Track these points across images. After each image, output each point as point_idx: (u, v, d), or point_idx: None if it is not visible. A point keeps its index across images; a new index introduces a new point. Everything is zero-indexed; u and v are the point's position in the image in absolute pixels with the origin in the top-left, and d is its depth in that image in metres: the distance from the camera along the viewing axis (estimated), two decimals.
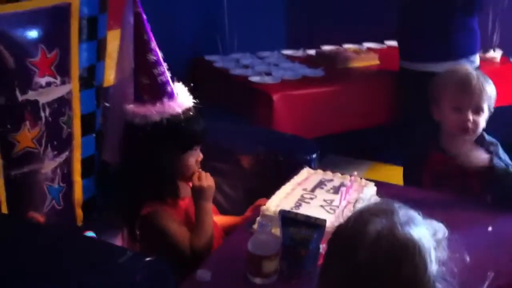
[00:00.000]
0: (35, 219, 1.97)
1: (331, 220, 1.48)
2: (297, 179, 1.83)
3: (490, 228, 1.69)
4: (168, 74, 1.60)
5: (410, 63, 2.92)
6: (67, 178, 2.09)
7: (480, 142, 1.94)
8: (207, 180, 1.64)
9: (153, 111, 1.55)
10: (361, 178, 1.84)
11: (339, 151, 3.50)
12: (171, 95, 1.58)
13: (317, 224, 1.36)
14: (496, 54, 3.58)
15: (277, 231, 1.44)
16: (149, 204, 1.60)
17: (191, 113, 1.61)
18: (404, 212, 1.05)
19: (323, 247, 1.42)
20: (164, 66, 1.59)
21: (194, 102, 1.66)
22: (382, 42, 3.96)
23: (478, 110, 1.91)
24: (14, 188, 1.86)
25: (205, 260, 1.48)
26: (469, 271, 1.46)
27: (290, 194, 1.72)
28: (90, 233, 2.06)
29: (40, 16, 1.80)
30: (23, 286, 1.33)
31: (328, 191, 1.75)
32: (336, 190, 1.75)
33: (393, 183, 2.02)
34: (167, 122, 1.55)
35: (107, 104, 2.31)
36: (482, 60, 3.54)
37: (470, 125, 1.92)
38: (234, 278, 1.42)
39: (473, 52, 2.86)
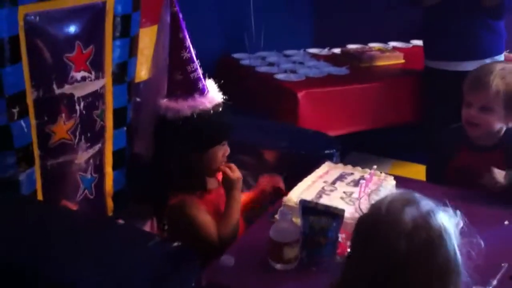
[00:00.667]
0: (68, 207, 2.07)
1: (350, 211, 1.54)
2: (318, 172, 1.89)
3: (506, 222, 1.73)
4: (200, 71, 1.68)
5: (434, 62, 2.96)
6: (99, 169, 2.18)
7: (509, 141, 1.94)
8: (237, 172, 1.73)
9: (185, 106, 1.63)
10: (380, 172, 1.90)
11: (362, 148, 3.53)
12: (202, 91, 1.65)
13: (336, 214, 1.43)
14: None
15: (297, 221, 1.51)
16: (177, 194, 1.68)
17: (220, 109, 1.68)
18: (425, 202, 1.10)
19: (341, 236, 1.48)
20: (197, 63, 1.66)
21: (223, 98, 1.72)
22: (408, 41, 3.98)
23: (486, 109, 1.91)
24: (49, 177, 1.95)
25: (229, 247, 1.55)
26: (485, 260, 1.52)
27: (311, 186, 1.78)
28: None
29: (77, 14, 1.89)
30: (59, 268, 1.41)
31: (348, 184, 1.81)
32: (356, 183, 1.81)
33: (412, 178, 2.06)
34: (197, 116, 1.62)
35: (138, 99, 2.41)
36: (507, 59, 3.56)
37: (473, 120, 1.92)
38: (257, 263, 1.49)
39: (498, 52, 2.89)
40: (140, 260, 1.42)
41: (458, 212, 1.46)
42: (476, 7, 2.74)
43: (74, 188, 2.07)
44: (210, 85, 1.72)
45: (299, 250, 1.47)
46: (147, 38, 2.32)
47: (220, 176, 1.77)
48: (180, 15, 1.63)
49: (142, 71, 2.38)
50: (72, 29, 1.87)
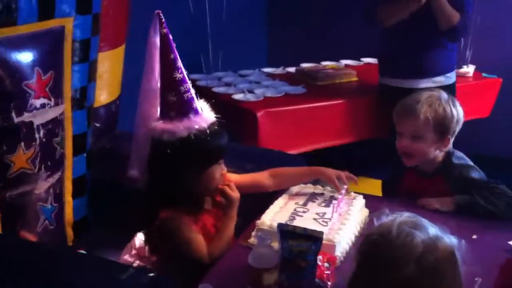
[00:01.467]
0: (28, 238, 1.99)
1: (325, 233, 1.53)
2: (288, 193, 1.88)
3: (474, 236, 1.77)
4: (192, 91, 1.65)
5: (389, 79, 3.02)
6: (59, 198, 2.12)
7: (447, 168, 1.97)
8: (235, 192, 1.71)
9: (181, 127, 1.60)
10: (350, 192, 1.91)
11: (320, 165, 3.55)
12: (196, 111, 1.63)
13: (315, 237, 1.42)
14: (469, 69, 3.70)
15: (275, 244, 1.50)
16: (169, 209, 1.64)
17: (216, 128, 1.66)
18: (431, 227, 1.11)
19: (319, 258, 1.47)
20: (189, 83, 1.64)
21: (216, 117, 1.71)
22: (358, 59, 4.06)
23: (416, 137, 1.93)
24: (8, 208, 1.88)
25: (206, 274, 1.52)
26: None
27: (283, 208, 1.77)
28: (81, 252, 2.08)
29: (36, 40, 1.84)
30: None
31: (319, 204, 1.81)
32: (327, 203, 1.82)
33: (379, 196, 2.09)
34: (194, 137, 1.59)
35: (97, 125, 2.35)
36: (456, 75, 3.68)
37: (406, 150, 1.95)
38: None
39: (450, 69, 2.96)
40: None
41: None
42: (432, 29, 2.80)
43: (34, 219, 1.99)
44: (203, 104, 1.70)
45: (278, 274, 1.45)
46: (106, 62, 2.29)
47: (218, 195, 1.75)
48: (170, 36, 1.60)
49: (102, 96, 2.34)
50: (31, 55, 1.82)
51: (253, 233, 1.70)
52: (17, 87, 1.78)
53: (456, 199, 1.89)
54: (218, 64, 3.54)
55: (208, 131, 1.62)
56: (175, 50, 1.61)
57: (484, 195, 1.85)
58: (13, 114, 1.79)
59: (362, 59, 4.06)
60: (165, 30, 1.60)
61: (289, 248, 1.43)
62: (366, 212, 1.86)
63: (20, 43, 1.79)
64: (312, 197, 1.86)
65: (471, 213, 1.85)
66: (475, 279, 1.49)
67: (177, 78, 1.60)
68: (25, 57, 1.81)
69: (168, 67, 1.60)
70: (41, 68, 1.86)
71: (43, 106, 1.89)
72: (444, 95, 1.97)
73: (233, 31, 3.66)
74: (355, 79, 3.58)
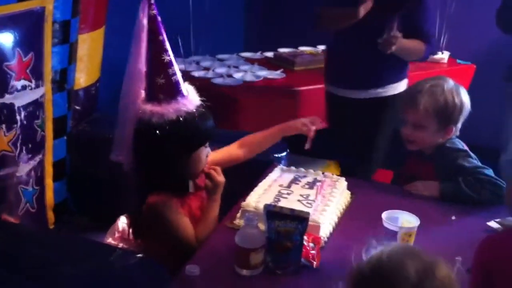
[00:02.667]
0: (9, 222, 1.97)
1: (310, 213, 1.55)
2: (272, 176, 1.90)
3: (453, 217, 1.81)
4: (179, 74, 1.64)
5: (334, 88, 2.72)
6: (40, 181, 2.10)
7: (438, 152, 2.00)
8: (221, 176, 1.71)
9: (170, 110, 1.59)
10: (332, 174, 1.93)
11: (297, 150, 3.59)
12: (183, 94, 1.62)
13: (301, 217, 1.44)
14: (444, 56, 3.76)
15: (261, 226, 1.51)
16: (157, 194, 1.64)
17: (203, 110, 1.66)
18: (423, 253, 1.07)
19: (305, 239, 1.50)
20: (176, 65, 1.63)
21: (201, 100, 1.71)
22: None
23: (418, 126, 1.96)
24: None
25: (192, 256, 1.53)
26: (440, 256, 1.58)
27: (267, 190, 1.79)
28: None
29: (16, 21, 1.81)
30: None
31: (303, 186, 1.83)
32: (310, 185, 1.84)
33: (360, 179, 2.12)
34: (183, 119, 1.59)
35: (77, 107, 2.33)
36: (431, 61, 3.73)
37: (408, 138, 1.99)
38: (222, 271, 1.47)
39: (402, 78, 2.62)
40: (104, 275, 1.38)
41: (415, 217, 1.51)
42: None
43: (15, 201, 1.98)
44: (188, 87, 1.70)
45: (265, 255, 1.47)
46: (86, 45, 2.27)
47: (202, 179, 1.75)
48: (159, 18, 1.58)
49: (81, 78, 2.32)
50: (12, 36, 1.80)
51: (238, 215, 1.71)
52: None
53: (441, 186, 1.91)
54: (197, 48, 3.52)
55: (196, 113, 1.62)
56: (164, 32, 1.59)
57: (470, 182, 1.87)
58: None
59: None
60: (154, 12, 1.58)
61: (275, 229, 1.45)
62: (348, 194, 1.89)
63: (0, 24, 1.76)
64: (295, 179, 1.88)
65: (455, 201, 1.87)
66: (456, 258, 1.53)
67: (165, 60, 1.59)
68: (5, 38, 1.78)
69: (157, 49, 1.59)
70: (22, 49, 1.84)
71: (24, 88, 1.87)
72: (449, 83, 1.96)
73: (210, 15, 3.64)
74: None
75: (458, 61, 3.78)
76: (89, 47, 2.24)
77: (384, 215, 1.53)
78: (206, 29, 3.55)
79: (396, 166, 2.16)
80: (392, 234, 1.50)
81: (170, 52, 1.60)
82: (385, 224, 1.52)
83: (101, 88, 2.48)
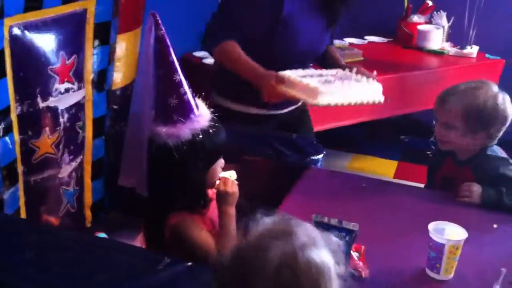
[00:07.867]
0: (50, 223, 2.00)
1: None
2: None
3: (495, 225, 1.80)
4: (190, 91, 1.63)
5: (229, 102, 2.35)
6: (80, 182, 2.12)
7: (479, 159, 1.97)
8: (232, 186, 1.69)
9: (186, 130, 1.57)
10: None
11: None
12: (195, 111, 1.61)
13: (348, 229, 1.45)
14: (472, 50, 3.72)
15: None
16: (178, 213, 1.64)
17: (216, 124, 1.65)
18: (303, 232, 0.98)
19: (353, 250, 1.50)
20: (186, 83, 1.62)
21: (211, 112, 1.69)
22: (362, 37, 4.02)
23: (447, 126, 1.96)
24: (33, 193, 1.88)
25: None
26: (484, 265, 1.58)
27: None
28: (102, 235, 2.09)
29: (60, 23, 1.81)
30: None
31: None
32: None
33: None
34: (199, 137, 1.58)
35: (115, 107, 2.34)
36: (459, 55, 3.70)
37: (438, 136, 2.00)
38: None
39: None
40: (152, 284, 1.39)
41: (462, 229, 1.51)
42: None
43: (57, 203, 2.00)
44: (198, 102, 1.69)
45: None
46: (123, 44, 2.27)
47: (213, 190, 1.74)
48: (167, 39, 1.56)
49: (118, 78, 2.32)
50: (56, 39, 1.80)
51: None
52: (42, 72, 1.77)
53: (484, 194, 1.88)
54: None
55: (210, 129, 1.61)
56: (172, 52, 1.57)
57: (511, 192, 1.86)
58: (39, 99, 1.78)
59: (366, 37, 4.03)
60: (162, 32, 1.55)
61: None
62: (378, 97, 2.09)
63: (45, 27, 1.77)
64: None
65: (496, 209, 1.86)
66: (501, 269, 1.53)
67: (176, 81, 1.57)
68: (50, 41, 1.79)
69: (167, 69, 1.56)
70: (65, 52, 1.84)
71: (67, 90, 1.88)
72: (492, 88, 1.93)
73: None
74: (360, 59, 3.57)
75: (487, 55, 3.75)
76: (127, 47, 2.24)
77: (430, 226, 1.53)
78: None
79: (434, 169, 2.16)
80: (439, 246, 1.50)
81: (180, 71, 1.59)
82: (432, 236, 1.52)
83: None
